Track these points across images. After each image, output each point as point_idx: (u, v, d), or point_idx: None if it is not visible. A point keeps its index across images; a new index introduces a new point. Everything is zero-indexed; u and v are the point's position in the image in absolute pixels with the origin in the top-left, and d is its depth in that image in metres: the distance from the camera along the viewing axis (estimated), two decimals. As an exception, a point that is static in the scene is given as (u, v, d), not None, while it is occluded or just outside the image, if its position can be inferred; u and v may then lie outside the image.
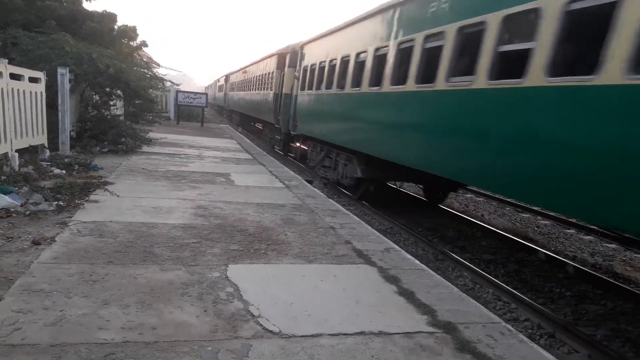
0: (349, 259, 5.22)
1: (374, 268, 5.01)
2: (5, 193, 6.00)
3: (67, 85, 10.29)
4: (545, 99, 5.11)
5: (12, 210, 5.66)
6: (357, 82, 10.01)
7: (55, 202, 6.10)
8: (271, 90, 18.94)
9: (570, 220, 10.15)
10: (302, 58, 14.97)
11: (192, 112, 28.02)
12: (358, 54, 10.11)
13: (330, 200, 8.77)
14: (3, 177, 6.84)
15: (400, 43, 8.23)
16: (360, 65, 9.96)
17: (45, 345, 2.92)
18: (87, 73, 11.72)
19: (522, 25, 5.71)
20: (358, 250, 5.59)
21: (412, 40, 7.82)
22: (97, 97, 14.23)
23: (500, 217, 10.87)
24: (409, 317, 3.88)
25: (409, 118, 7.99)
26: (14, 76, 8.06)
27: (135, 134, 13.44)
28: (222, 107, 42.46)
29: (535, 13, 5.26)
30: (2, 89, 7.44)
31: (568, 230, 9.85)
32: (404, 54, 8.19)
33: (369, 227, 6.95)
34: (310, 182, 11.22)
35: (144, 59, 22.06)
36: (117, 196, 6.92)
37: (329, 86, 11.86)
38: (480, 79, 6.02)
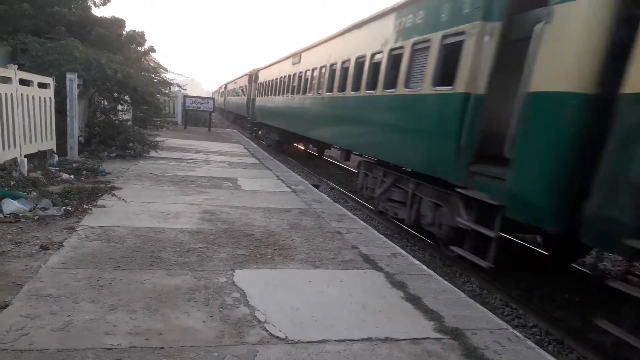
0: (355, 264, 5.21)
1: (381, 273, 5.00)
2: (14, 198, 6.05)
3: (76, 91, 10.37)
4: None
5: (20, 215, 5.70)
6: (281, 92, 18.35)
7: (64, 207, 6.14)
8: (245, 96, 30.98)
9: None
10: (257, 78, 26.27)
11: (200, 117, 28.16)
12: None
13: (337, 204, 8.77)
14: (12, 182, 6.90)
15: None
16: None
17: (53, 350, 2.94)
18: (96, 78, 11.81)
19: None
20: (365, 255, 5.57)
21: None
22: (105, 102, 14.32)
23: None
24: (416, 323, 3.86)
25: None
26: (23, 82, 8.14)
27: (143, 139, 13.50)
28: (222, 109, 49.90)
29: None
30: (11, 94, 7.52)
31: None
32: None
33: (376, 232, 6.93)
34: (316, 186, 11.23)
35: (152, 64, 22.19)
36: (125, 201, 6.95)
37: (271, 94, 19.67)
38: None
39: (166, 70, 23.88)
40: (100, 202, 6.78)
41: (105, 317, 3.40)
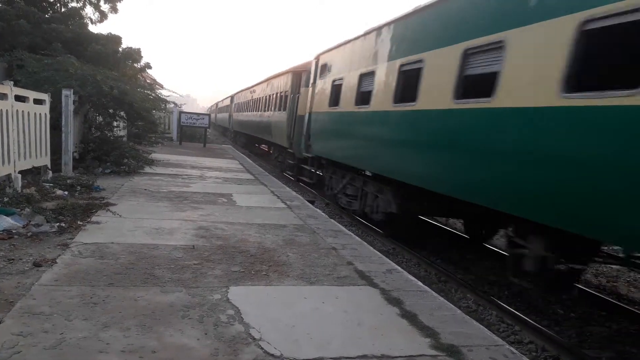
0: (351, 281, 5.19)
1: (377, 290, 4.98)
2: (8, 214, 6.02)
3: (71, 107, 10.38)
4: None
5: (13, 231, 5.66)
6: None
7: (57, 224, 6.10)
8: (228, 112, 35.85)
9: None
10: (234, 99, 30.93)
11: (195, 133, 28.19)
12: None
13: (332, 220, 8.76)
14: (5, 199, 6.86)
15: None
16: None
17: (45, 369, 2.89)
18: (91, 94, 11.83)
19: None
20: (360, 271, 5.56)
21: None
22: (100, 119, 14.35)
23: (502, 238, 10.79)
24: (412, 340, 3.84)
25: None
26: (19, 98, 8.14)
27: (137, 155, 13.50)
28: (225, 128, 45.49)
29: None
30: (7, 110, 7.51)
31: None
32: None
33: (371, 248, 6.92)
34: (312, 202, 11.22)
35: (148, 81, 22.27)
36: (119, 217, 6.92)
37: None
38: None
39: (162, 87, 24.00)
40: (94, 218, 6.75)
41: (99, 334, 3.36)
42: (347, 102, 10.85)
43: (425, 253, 8.79)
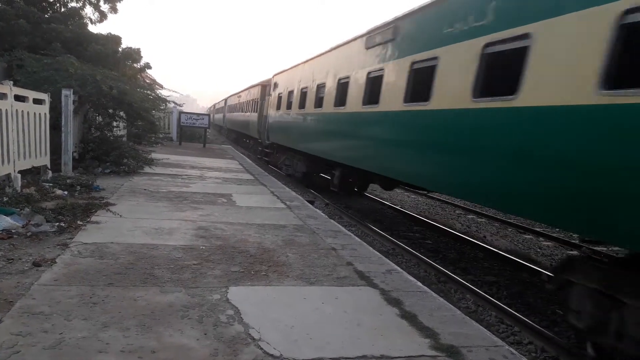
0: (350, 281, 5.19)
1: (376, 290, 4.98)
2: (7, 214, 6.01)
3: (71, 107, 10.38)
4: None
5: (13, 231, 5.66)
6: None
7: (57, 224, 6.10)
8: (222, 113, 40.53)
9: (572, 241, 10.10)
10: (227, 101, 36.95)
11: (195, 133, 28.18)
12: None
13: (332, 220, 8.76)
14: (5, 199, 6.86)
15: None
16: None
17: (44, 369, 2.89)
18: (91, 94, 11.83)
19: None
20: (360, 272, 5.56)
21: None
22: (100, 118, 14.35)
23: (502, 239, 10.81)
24: (412, 341, 3.84)
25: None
26: (18, 98, 8.14)
27: (137, 155, 13.49)
28: (221, 126, 51.39)
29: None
30: (6, 110, 7.51)
31: (571, 252, 9.78)
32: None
33: (371, 248, 6.92)
34: (311, 202, 11.22)
35: (148, 81, 22.27)
36: (119, 217, 6.92)
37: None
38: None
39: (161, 87, 23.99)
40: (93, 218, 6.75)
41: (98, 335, 3.36)
42: (284, 106, 17.63)
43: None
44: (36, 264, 4.64)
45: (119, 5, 18.11)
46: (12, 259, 4.77)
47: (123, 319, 3.65)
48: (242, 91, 32.87)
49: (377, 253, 6.70)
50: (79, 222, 6.39)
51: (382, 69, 9.26)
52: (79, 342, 3.22)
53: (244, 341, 3.51)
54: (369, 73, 9.88)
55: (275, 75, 19.87)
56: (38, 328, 3.36)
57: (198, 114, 26.89)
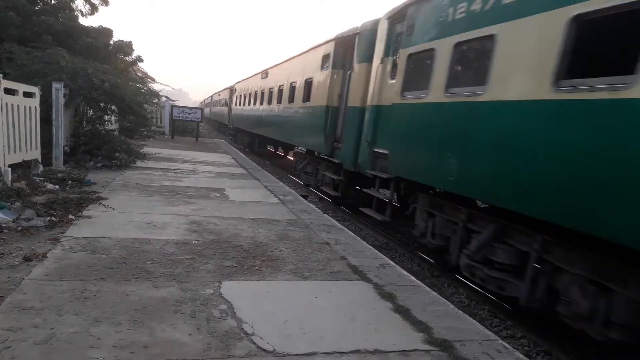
0: (344, 275, 5.19)
1: (370, 284, 4.98)
2: (-3, 208, 5.94)
3: (62, 100, 10.26)
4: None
5: (3, 226, 5.60)
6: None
7: (48, 218, 6.04)
8: (208, 108, 52.76)
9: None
10: (212, 98, 52.88)
11: (187, 127, 28.01)
12: None
13: (325, 215, 8.75)
14: (-5, 193, 6.78)
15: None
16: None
17: (35, 364, 2.86)
18: (82, 88, 11.70)
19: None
20: (353, 266, 5.55)
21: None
22: (91, 112, 14.21)
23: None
24: (405, 335, 3.84)
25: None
26: (8, 91, 8.04)
27: (129, 149, 13.38)
28: (208, 117, 54.14)
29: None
30: (-4, 103, 7.42)
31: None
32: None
33: (364, 243, 6.92)
34: (305, 197, 11.19)
35: (139, 74, 22.09)
36: (111, 211, 6.87)
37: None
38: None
39: (153, 80, 23.82)
40: (85, 212, 6.69)
41: (90, 330, 3.33)
42: (240, 104, 26.69)
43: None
44: (27, 259, 4.60)
45: (110, -2, 17.88)
46: (3, 254, 4.72)
47: (115, 314, 3.62)
48: (220, 91, 44.25)
49: (371, 247, 6.71)
50: (70, 217, 6.34)
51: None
52: (70, 337, 3.19)
53: (237, 336, 3.49)
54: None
55: (236, 83, 30.58)
56: (29, 323, 3.33)
57: (190, 108, 26.70)
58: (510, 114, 5.28)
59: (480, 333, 4.09)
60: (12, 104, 8.10)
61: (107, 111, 14.26)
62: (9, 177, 7.64)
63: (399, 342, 3.68)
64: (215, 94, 49.98)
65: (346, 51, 10.97)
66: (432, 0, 7.16)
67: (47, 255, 4.78)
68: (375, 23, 9.41)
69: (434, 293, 5.05)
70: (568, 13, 4.55)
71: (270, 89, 18.84)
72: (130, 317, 3.60)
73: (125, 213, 6.90)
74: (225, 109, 35.96)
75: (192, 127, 26.88)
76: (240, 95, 27.24)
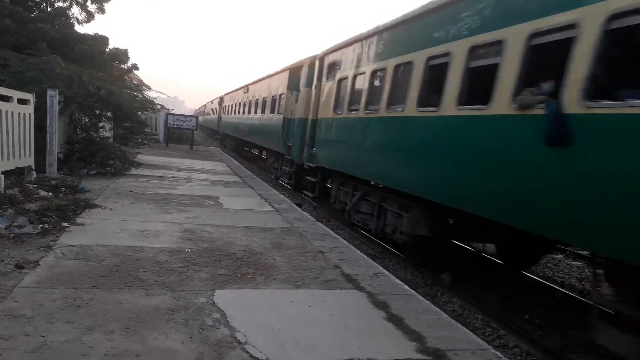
0: (337, 284, 5.19)
1: (363, 293, 4.98)
2: (-10, 215, 5.91)
3: (56, 107, 10.25)
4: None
5: (-5, 233, 5.57)
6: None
7: (41, 225, 6.01)
8: (202, 116, 51.16)
9: (558, 246, 10.20)
10: (205, 107, 53.73)
11: (182, 135, 27.99)
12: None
13: (320, 223, 8.75)
14: (-13, 200, 6.74)
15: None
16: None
17: (25, 373, 2.84)
18: (77, 95, 11.70)
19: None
20: (347, 274, 5.55)
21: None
22: (86, 119, 14.18)
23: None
24: (398, 344, 3.84)
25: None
26: (2, 98, 8.03)
27: (123, 157, 13.36)
28: (201, 124, 56.66)
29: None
30: (-10, 110, 7.40)
31: (556, 256, 9.89)
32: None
33: (358, 251, 6.92)
34: (299, 205, 11.20)
35: (135, 82, 22.10)
36: (104, 219, 6.84)
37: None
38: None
39: (149, 88, 23.80)
40: (79, 220, 6.66)
41: (81, 338, 3.31)
42: (227, 112, 30.62)
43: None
44: (19, 266, 4.57)
45: (106, 6, 17.96)
46: (-6, 261, 4.69)
47: (107, 322, 3.60)
48: (212, 100, 47.93)
49: (365, 256, 6.71)
50: (63, 224, 6.31)
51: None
52: (61, 346, 3.18)
53: (229, 345, 3.48)
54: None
55: (225, 94, 34.75)
56: (20, 331, 3.31)
57: (185, 116, 26.74)
58: (350, 125, 9.94)
59: (472, 342, 4.10)
60: (6, 111, 8.08)
61: (101, 118, 14.24)
62: (1, 184, 7.60)
63: (392, 351, 3.68)
64: (208, 102, 53.38)
65: (297, 77, 14.54)
66: (334, 52, 11.36)
67: (40, 262, 4.75)
68: (314, 58, 13.12)
69: (427, 302, 5.06)
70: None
71: (249, 101, 22.74)
72: (122, 325, 3.59)
73: (119, 221, 6.88)
74: (215, 117, 40.12)
75: (187, 135, 26.86)
76: (228, 105, 31.34)
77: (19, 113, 8.72)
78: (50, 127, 10.15)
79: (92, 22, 17.97)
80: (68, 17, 17.31)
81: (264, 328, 3.84)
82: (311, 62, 13.30)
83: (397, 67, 8.00)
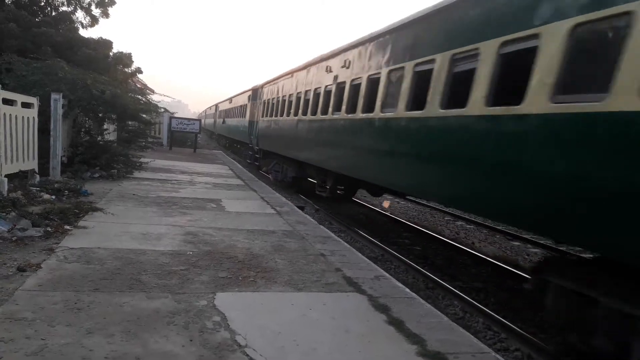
0: (338, 287, 5.19)
1: (364, 296, 4.98)
2: (-7, 218, 5.94)
3: (60, 111, 10.30)
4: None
5: (-2, 236, 5.59)
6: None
7: (43, 228, 6.04)
8: (203, 119, 53.92)
9: (560, 247, 10.17)
10: (207, 111, 59.98)
11: (185, 138, 28.08)
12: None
13: (321, 226, 8.76)
14: (-9, 203, 6.78)
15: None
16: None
17: (26, 375, 2.86)
18: (81, 99, 11.77)
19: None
20: (348, 278, 5.55)
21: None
22: (89, 123, 14.26)
23: (490, 245, 10.87)
24: (399, 348, 3.83)
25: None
26: (6, 101, 8.08)
27: (127, 160, 13.42)
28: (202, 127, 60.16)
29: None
30: (-6, 114, 7.45)
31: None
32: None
33: (360, 255, 6.92)
34: (301, 208, 11.21)
35: (139, 85, 22.20)
36: (106, 222, 6.87)
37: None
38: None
39: (153, 92, 23.88)
40: (81, 223, 6.69)
41: (82, 341, 3.32)
42: (221, 117, 38.83)
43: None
44: (21, 269, 4.59)
45: (110, 10, 18.08)
46: (-3, 264, 4.71)
47: (108, 325, 3.61)
48: (210, 107, 55.09)
49: (366, 259, 6.71)
50: (66, 227, 6.34)
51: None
52: (62, 349, 3.19)
53: (230, 348, 3.49)
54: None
55: (218, 103, 42.82)
56: (21, 334, 3.32)
57: (189, 119, 26.82)
58: (270, 124, 18.27)
59: (474, 345, 4.08)
60: (10, 114, 8.13)
61: (105, 120, 14.30)
62: (5, 187, 7.65)
63: (393, 355, 3.68)
64: (207, 108, 62.63)
65: (255, 94, 22.30)
66: (267, 86, 19.60)
67: (41, 265, 4.77)
68: (257, 86, 21.90)
69: (429, 305, 5.04)
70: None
71: (232, 108, 32.09)
72: (123, 328, 3.60)
73: (121, 224, 6.90)
74: (212, 121, 49.54)
75: (191, 138, 26.94)
76: (221, 111, 40.35)
77: (22, 117, 8.78)
78: (53, 131, 10.20)
79: (96, 26, 18.10)
80: (72, 22, 17.45)
81: (265, 331, 3.84)
82: (255, 88, 22.50)
83: (287, 97, 15.94)
